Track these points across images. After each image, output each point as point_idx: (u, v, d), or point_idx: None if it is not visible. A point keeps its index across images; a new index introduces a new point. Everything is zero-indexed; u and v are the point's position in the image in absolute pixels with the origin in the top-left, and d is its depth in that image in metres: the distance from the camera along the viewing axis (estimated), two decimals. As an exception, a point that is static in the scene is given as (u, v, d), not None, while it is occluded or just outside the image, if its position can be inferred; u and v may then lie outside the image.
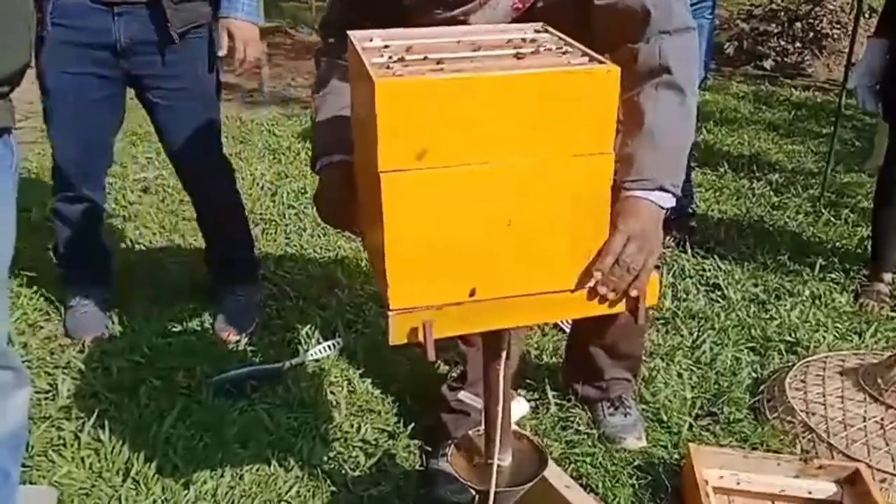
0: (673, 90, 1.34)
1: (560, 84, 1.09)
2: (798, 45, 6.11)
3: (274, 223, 3.35)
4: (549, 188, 1.14)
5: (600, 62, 1.13)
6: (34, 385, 2.24)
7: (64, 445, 2.04)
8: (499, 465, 1.43)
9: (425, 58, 1.15)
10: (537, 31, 1.31)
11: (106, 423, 2.09)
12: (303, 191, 3.65)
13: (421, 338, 1.17)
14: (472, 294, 1.17)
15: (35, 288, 2.73)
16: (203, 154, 2.37)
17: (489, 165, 1.11)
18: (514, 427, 1.56)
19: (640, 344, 2.24)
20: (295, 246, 3.15)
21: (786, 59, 6.08)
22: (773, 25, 6.21)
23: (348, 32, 1.26)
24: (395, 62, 1.14)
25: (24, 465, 1.93)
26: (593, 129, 1.13)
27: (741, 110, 5.07)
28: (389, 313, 1.15)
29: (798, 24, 6.14)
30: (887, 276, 2.90)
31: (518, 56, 1.17)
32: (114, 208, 3.42)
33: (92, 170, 2.40)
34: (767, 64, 6.03)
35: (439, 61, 1.14)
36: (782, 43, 6.13)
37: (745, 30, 6.29)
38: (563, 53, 1.19)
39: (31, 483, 1.91)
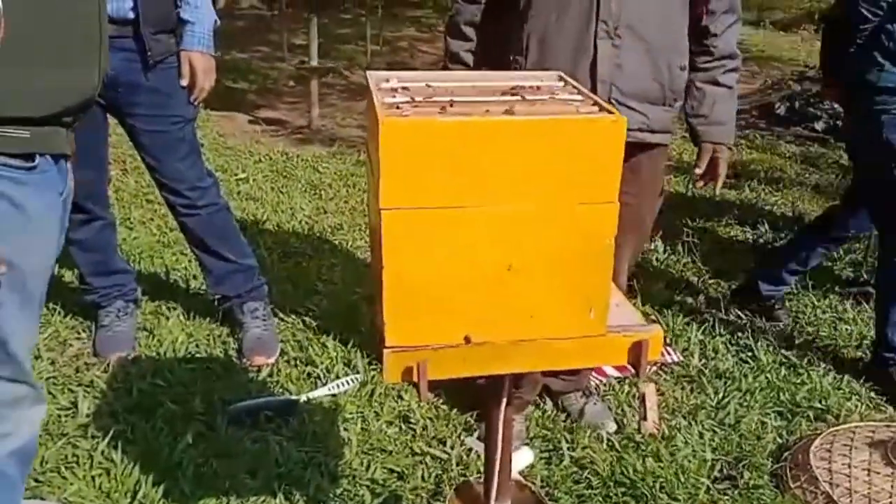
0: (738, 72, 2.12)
1: (564, 131, 1.09)
2: (851, 107, 6.02)
3: (307, 257, 3.39)
4: (552, 235, 1.14)
5: (608, 112, 1.13)
6: (56, 402, 2.29)
7: (77, 463, 2.06)
8: (496, 514, 1.41)
9: (436, 101, 1.17)
10: (552, 80, 1.32)
11: (119, 443, 2.12)
12: (339, 227, 3.70)
13: (416, 378, 1.17)
14: (467, 340, 1.17)
15: (68, 306, 2.79)
16: (188, 168, 2.49)
17: (491, 209, 1.11)
18: (516, 476, 1.54)
19: None
20: (325, 280, 3.17)
21: (838, 122, 5.98)
22: (827, 87, 6.14)
23: (367, 73, 1.30)
24: (405, 103, 1.16)
25: (36, 480, 1.97)
26: (599, 177, 1.12)
27: (787, 171, 4.99)
28: (385, 350, 1.16)
29: (852, 87, 6.06)
30: None
31: (527, 102, 1.18)
32: (154, 234, 3.51)
33: (95, 185, 2.50)
34: (819, 125, 5.95)
35: (449, 104, 1.15)
36: (835, 105, 6.04)
37: (797, 91, 6.22)
38: (574, 102, 1.20)
39: (41, 499, 1.93)
